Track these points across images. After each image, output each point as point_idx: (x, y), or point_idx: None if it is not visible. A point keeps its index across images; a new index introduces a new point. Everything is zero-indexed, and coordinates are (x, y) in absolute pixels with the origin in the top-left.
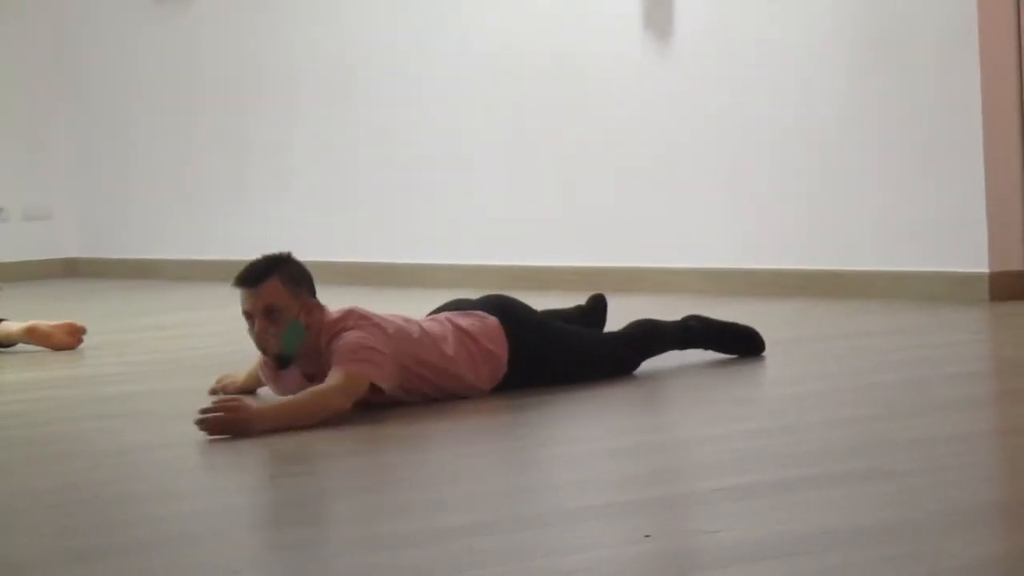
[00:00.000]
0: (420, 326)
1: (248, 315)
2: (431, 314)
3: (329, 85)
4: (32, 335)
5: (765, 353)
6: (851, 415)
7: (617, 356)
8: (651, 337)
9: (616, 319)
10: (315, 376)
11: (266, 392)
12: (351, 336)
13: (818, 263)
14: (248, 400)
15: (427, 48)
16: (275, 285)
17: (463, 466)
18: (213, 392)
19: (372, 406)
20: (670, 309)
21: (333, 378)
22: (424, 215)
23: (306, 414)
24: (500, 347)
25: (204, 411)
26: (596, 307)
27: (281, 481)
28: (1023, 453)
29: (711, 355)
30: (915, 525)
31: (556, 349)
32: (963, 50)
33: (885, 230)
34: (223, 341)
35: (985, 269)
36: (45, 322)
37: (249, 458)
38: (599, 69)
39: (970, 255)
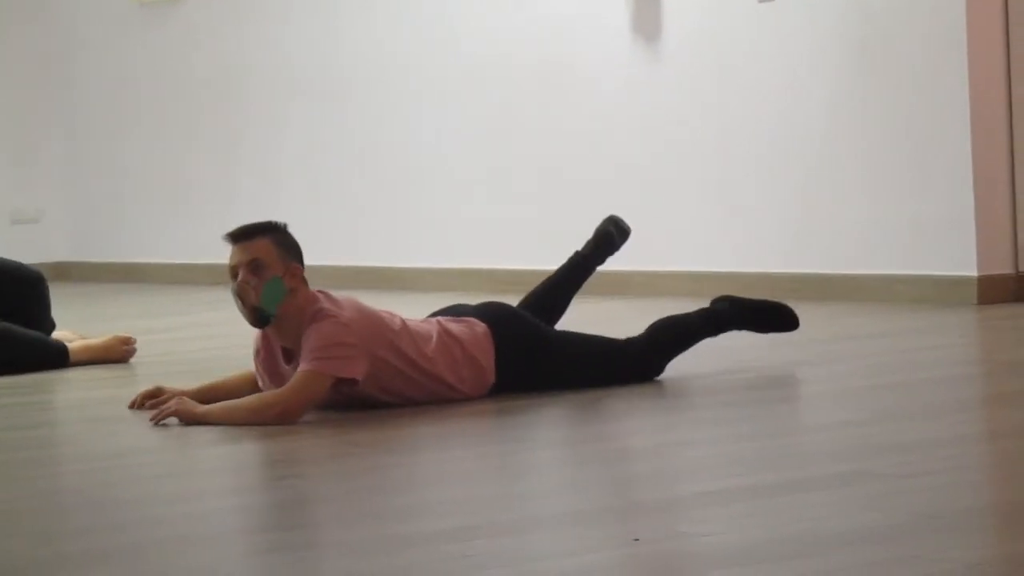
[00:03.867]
0: (403, 321)
1: (233, 270)
2: (426, 317)
3: (318, 89)
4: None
5: (754, 356)
6: (840, 418)
7: (633, 362)
8: (671, 334)
9: (606, 322)
10: (294, 357)
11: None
12: (323, 328)
13: (806, 266)
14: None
15: (417, 52)
16: (265, 242)
17: (453, 470)
18: (147, 397)
19: (360, 408)
20: (658, 312)
21: (294, 379)
22: (413, 219)
23: (249, 418)
24: (485, 355)
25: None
26: (601, 241)
27: (272, 484)
28: (1013, 456)
29: (701, 359)
30: (904, 529)
31: (555, 359)
32: (951, 53)
33: (874, 233)
34: (213, 344)
35: (974, 272)
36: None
37: (239, 462)
38: (589, 74)
39: (959, 258)
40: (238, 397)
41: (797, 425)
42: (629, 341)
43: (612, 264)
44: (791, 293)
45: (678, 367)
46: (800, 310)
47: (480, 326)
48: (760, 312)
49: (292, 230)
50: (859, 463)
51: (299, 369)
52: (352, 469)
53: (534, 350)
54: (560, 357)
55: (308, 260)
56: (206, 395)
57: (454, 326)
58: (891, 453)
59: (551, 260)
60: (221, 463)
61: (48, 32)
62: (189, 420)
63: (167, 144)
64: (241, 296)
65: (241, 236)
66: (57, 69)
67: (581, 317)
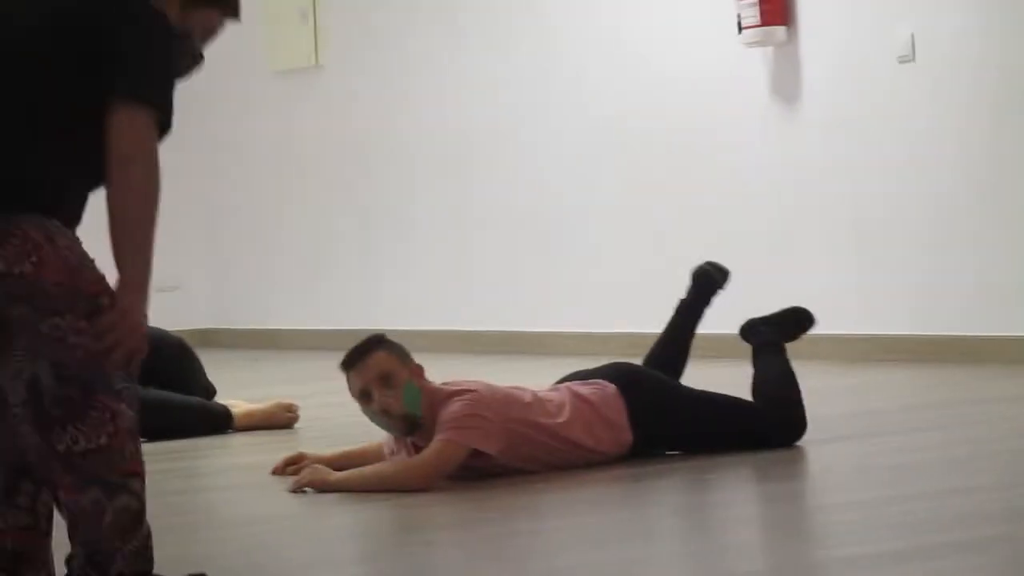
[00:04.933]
0: (534, 394)
1: (363, 394)
2: (554, 385)
3: (452, 155)
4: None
5: (891, 419)
6: (981, 483)
7: (773, 420)
8: (780, 384)
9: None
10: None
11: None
12: (456, 406)
13: (940, 328)
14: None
15: (544, 113)
16: (382, 355)
17: (582, 535)
18: (289, 463)
19: (499, 476)
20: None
21: (430, 448)
22: (547, 282)
23: (382, 485)
24: (619, 414)
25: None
26: (700, 281)
27: (399, 551)
28: None
29: (846, 423)
30: None
31: (682, 416)
32: None
33: (1011, 294)
34: (347, 412)
35: None
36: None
37: (369, 527)
38: (720, 133)
39: None
40: (371, 463)
41: (934, 489)
42: (745, 402)
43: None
44: (928, 355)
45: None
46: (936, 372)
47: (609, 387)
48: (786, 322)
49: (431, 293)
50: (998, 528)
51: (436, 438)
52: (482, 535)
53: (664, 401)
54: (688, 413)
55: (441, 326)
56: (341, 462)
57: (584, 389)
58: None
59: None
60: (350, 530)
61: (187, 98)
62: (323, 488)
63: (306, 211)
64: (386, 411)
65: (357, 358)
66: (195, 135)
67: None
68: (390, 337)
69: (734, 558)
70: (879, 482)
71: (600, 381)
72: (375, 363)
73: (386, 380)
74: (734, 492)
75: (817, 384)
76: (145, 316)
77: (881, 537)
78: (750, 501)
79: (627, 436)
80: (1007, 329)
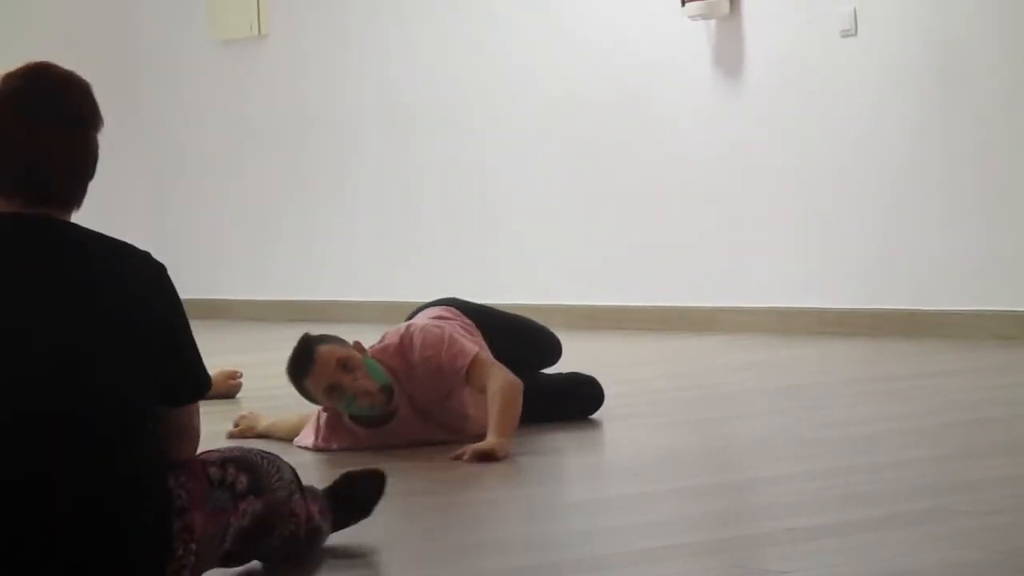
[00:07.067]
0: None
1: (332, 388)
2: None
3: (396, 125)
4: None
5: (834, 393)
6: (918, 455)
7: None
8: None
9: (687, 359)
10: (448, 395)
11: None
12: (428, 341)
13: (888, 302)
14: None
15: (488, 84)
16: (327, 347)
17: (533, 507)
18: (232, 436)
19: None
20: (741, 349)
21: (486, 369)
22: (495, 256)
23: (513, 408)
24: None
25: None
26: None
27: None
28: None
29: (774, 399)
30: (984, 567)
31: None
32: None
33: (956, 268)
34: (285, 383)
35: None
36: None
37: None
38: (668, 108)
39: None
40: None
41: (877, 462)
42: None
43: (694, 301)
44: (873, 329)
45: (752, 403)
46: (882, 346)
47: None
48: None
49: (375, 264)
50: (940, 500)
51: (469, 364)
52: (424, 506)
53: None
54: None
55: (381, 296)
56: (271, 432)
57: (438, 312)
58: (973, 490)
59: (636, 295)
60: None
61: (128, 69)
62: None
63: (248, 181)
64: (365, 391)
65: (306, 362)
66: (135, 109)
67: (663, 354)
68: (332, 307)
69: (677, 531)
70: (818, 455)
71: (438, 306)
72: (327, 357)
73: (345, 365)
74: (678, 465)
75: (760, 357)
76: None
77: (819, 509)
78: (693, 474)
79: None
80: (951, 304)
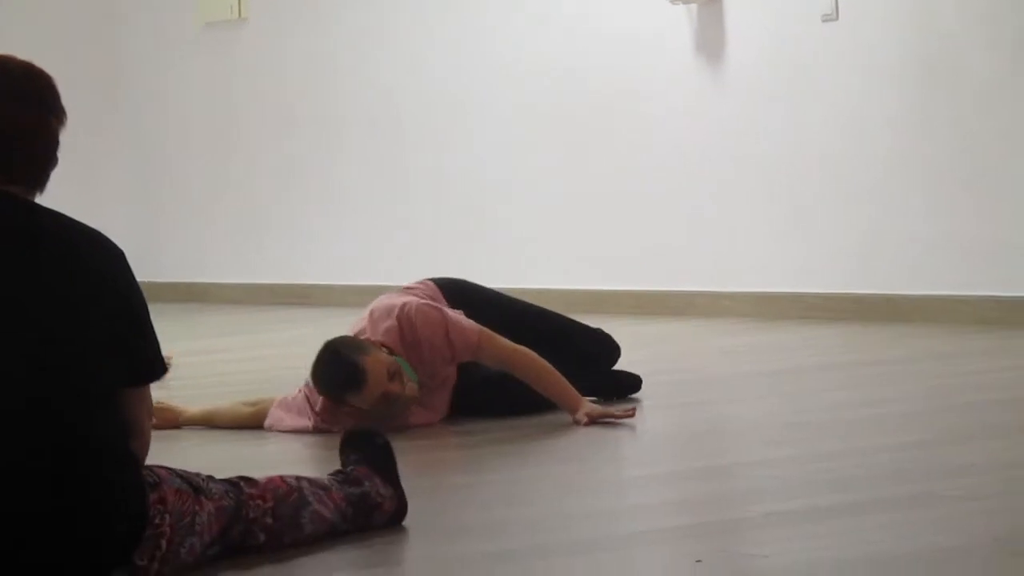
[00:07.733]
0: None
1: (385, 397)
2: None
3: (380, 115)
4: None
5: (816, 377)
6: (902, 440)
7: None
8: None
9: (667, 343)
10: (434, 375)
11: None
12: (431, 320)
13: (871, 287)
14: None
15: (473, 72)
16: (369, 359)
17: (517, 490)
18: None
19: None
20: (722, 333)
21: (496, 343)
22: (478, 241)
23: (549, 373)
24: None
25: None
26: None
27: None
28: None
29: (767, 380)
30: (968, 551)
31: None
32: (1018, 71)
33: (939, 253)
34: (270, 365)
35: None
36: None
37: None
38: (655, 97)
39: None
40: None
41: (860, 447)
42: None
43: (675, 285)
44: (855, 314)
45: (738, 388)
46: (862, 331)
47: (428, 284)
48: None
49: (359, 248)
50: (921, 485)
51: (475, 341)
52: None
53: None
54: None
55: (367, 280)
56: (206, 420)
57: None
58: (953, 475)
59: (618, 281)
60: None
61: (108, 55)
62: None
63: (234, 166)
64: (412, 399)
65: (354, 378)
66: (116, 90)
67: (643, 339)
68: (318, 296)
69: (661, 515)
70: (801, 439)
71: (421, 283)
72: (377, 371)
73: (394, 376)
74: (663, 449)
75: (742, 341)
76: None
77: (802, 494)
78: (676, 458)
79: None
80: (933, 288)
